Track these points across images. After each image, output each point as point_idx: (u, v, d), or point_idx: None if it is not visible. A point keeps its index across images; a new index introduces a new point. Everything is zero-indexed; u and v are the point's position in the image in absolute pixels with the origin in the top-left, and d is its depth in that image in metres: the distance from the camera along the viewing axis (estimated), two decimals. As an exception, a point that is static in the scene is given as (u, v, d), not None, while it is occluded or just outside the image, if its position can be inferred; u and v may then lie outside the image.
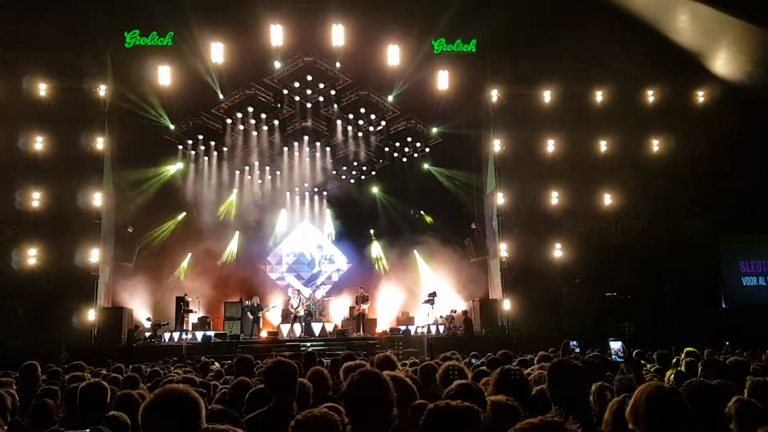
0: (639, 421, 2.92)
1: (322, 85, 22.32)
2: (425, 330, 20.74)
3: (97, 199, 19.66)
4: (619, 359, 6.54)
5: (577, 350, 9.53)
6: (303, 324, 21.51)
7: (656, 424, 2.87)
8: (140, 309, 21.11)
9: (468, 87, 21.91)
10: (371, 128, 23.61)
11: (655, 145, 21.70)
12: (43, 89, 19.62)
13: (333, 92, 22.45)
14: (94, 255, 19.33)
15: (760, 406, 3.68)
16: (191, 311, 21.19)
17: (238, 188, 24.14)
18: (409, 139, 24.03)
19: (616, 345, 6.47)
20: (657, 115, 21.61)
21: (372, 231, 24.67)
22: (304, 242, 24.99)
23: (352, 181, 25.08)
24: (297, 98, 22.62)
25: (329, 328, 21.79)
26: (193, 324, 21.09)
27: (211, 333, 20.28)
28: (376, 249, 24.59)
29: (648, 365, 7.54)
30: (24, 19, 19.06)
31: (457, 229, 23.44)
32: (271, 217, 24.36)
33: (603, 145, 21.48)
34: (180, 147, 22.87)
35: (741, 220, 21.05)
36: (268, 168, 24.34)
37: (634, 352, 8.39)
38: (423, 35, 20.74)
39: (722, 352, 10.18)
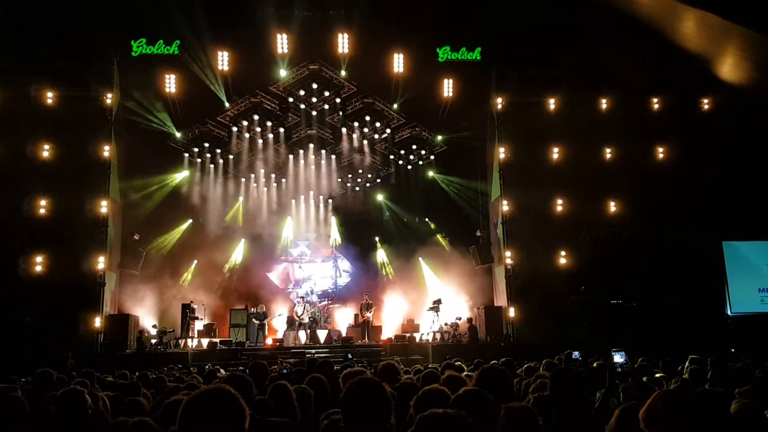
0: (653, 423, 2.93)
1: (327, 93, 22.39)
2: (430, 337, 20.73)
3: (104, 206, 19.79)
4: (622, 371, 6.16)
5: (580, 359, 9.56)
6: (308, 331, 21.54)
7: (671, 427, 2.88)
8: (146, 316, 21.17)
9: (473, 95, 21.98)
10: (376, 136, 23.66)
11: (661, 152, 21.70)
12: (50, 98, 19.81)
13: (338, 100, 22.51)
14: (101, 262, 19.43)
15: None
16: (197, 318, 21.26)
17: (244, 196, 24.22)
18: (414, 147, 24.06)
19: (619, 357, 6.02)
20: (662, 123, 21.62)
21: (377, 238, 24.70)
22: (309, 249, 25.04)
23: (357, 188, 25.14)
24: (302, 106, 22.70)
25: (334, 335, 21.80)
26: (198, 331, 21.15)
27: (217, 340, 20.34)
28: (381, 256, 24.61)
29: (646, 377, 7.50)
30: (31, 28, 19.21)
31: (462, 237, 23.46)
32: (276, 224, 24.42)
33: (608, 153, 21.51)
34: (186, 155, 22.96)
35: (747, 228, 21.00)
36: (273, 176, 24.42)
37: (639, 361, 8.35)
38: (428, 43, 20.80)
39: (729, 360, 10.15)
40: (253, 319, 21.66)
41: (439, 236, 24.05)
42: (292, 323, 22.16)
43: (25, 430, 4.60)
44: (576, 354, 9.65)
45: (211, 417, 2.32)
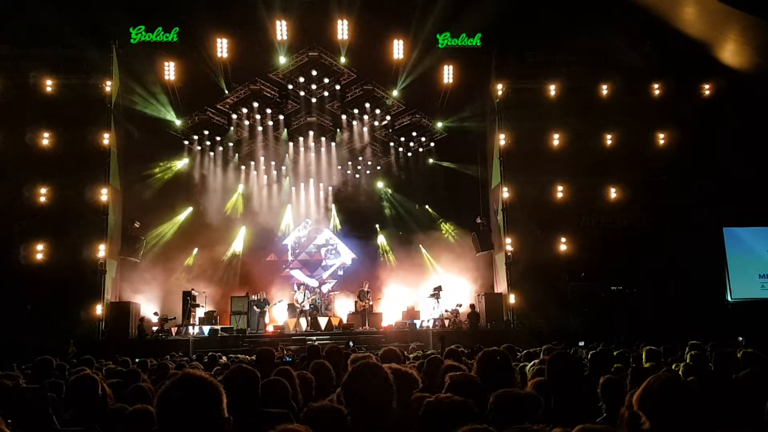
0: (647, 407, 2.93)
1: (326, 80, 22.33)
2: (431, 324, 20.78)
3: (104, 194, 19.77)
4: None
5: (582, 345, 9.59)
6: (309, 318, 21.58)
7: (665, 412, 2.89)
8: (147, 304, 21.19)
9: (473, 81, 21.91)
10: (376, 123, 23.61)
11: (661, 138, 21.64)
12: (49, 85, 19.75)
13: (338, 87, 22.45)
14: (101, 250, 19.44)
15: None
16: (198, 306, 21.28)
17: (244, 183, 24.20)
18: (414, 134, 24.01)
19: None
20: (663, 109, 21.53)
21: (377, 225, 24.69)
22: (309, 237, 25.05)
23: (357, 175, 25.07)
24: (302, 93, 22.63)
25: (335, 322, 21.85)
26: (199, 318, 21.18)
27: (218, 327, 20.39)
28: (381, 243, 24.61)
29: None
30: (30, 15, 19.13)
31: (462, 224, 23.46)
32: (276, 211, 24.40)
33: (608, 139, 21.45)
34: (186, 142, 22.91)
35: (748, 214, 21.01)
36: (273, 163, 24.37)
37: (645, 350, 8.30)
38: (427, 29, 20.72)
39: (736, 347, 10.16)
40: (254, 307, 21.69)
41: (444, 224, 23.94)
42: (293, 310, 22.20)
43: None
44: (581, 344, 9.67)
45: (185, 405, 2.28)
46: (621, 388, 4.68)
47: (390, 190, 24.97)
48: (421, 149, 24.34)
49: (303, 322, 21.57)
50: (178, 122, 22.26)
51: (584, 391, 4.08)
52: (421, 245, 23.75)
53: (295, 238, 24.91)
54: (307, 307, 21.80)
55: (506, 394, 3.19)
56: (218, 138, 23.25)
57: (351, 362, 4.53)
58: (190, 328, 20.28)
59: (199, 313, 21.34)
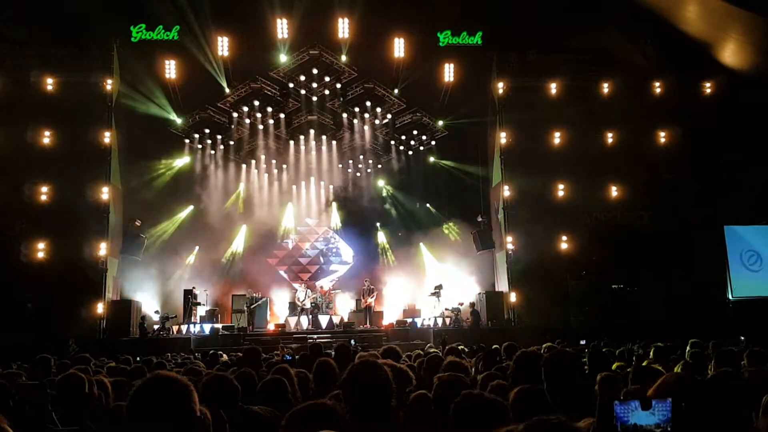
0: None
1: (327, 79, 22.30)
2: (432, 322, 20.79)
3: (105, 193, 19.78)
4: None
5: (583, 343, 9.60)
6: (310, 316, 21.59)
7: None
8: (148, 302, 21.21)
9: (474, 79, 21.88)
10: (377, 121, 23.60)
11: (662, 137, 21.65)
12: (50, 84, 19.73)
13: (338, 85, 22.43)
14: (102, 248, 19.45)
15: None
16: (199, 304, 21.29)
17: (245, 182, 24.20)
18: (415, 132, 23.99)
19: None
20: (664, 107, 21.54)
21: (378, 224, 24.69)
22: (310, 235, 25.05)
23: (358, 174, 25.05)
24: (303, 92, 22.62)
25: (336, 320, 21.86)
26: (201, 317, 21.19)
27: (219, 325, 20.39)
28: (382, 242, 24.61)
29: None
30: (30, 14, 19.12)
31: (462, 222, 23.45)
32: (277, 210, 24.40)
33: (609, 137, 21.47)
34: (186, 141, 22.91)
35: (749, 212, 21.00)
36: (274, 161, 24.37)
37: (653, 348, 8.31)
38: (428, 28, 20.72)
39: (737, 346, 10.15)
40: (244, 305, 21.61)
41: (448, 224, 23.89)
42: (294, 309, 22.20)
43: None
44: (583, 342, 9.69)
45: (153, 405, 2.26)
46: (618, 385, 4.68)
47: (391, 189, 24.97)
48: (421, 148, 24.33)
49: (304, 321, 21.58)
50: (178, 120, 22.25)
51: (582, 389, 4.07)
52: (421, 244, 23.75)
53: (296, 236, 24.90)
54: (308, 306, 21.81)
55: (528, 389, 3.22)
56: (219, 136, 23.25)
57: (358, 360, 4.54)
58: (192, 326, 20.29)
59: (200, 311, 21.36)
